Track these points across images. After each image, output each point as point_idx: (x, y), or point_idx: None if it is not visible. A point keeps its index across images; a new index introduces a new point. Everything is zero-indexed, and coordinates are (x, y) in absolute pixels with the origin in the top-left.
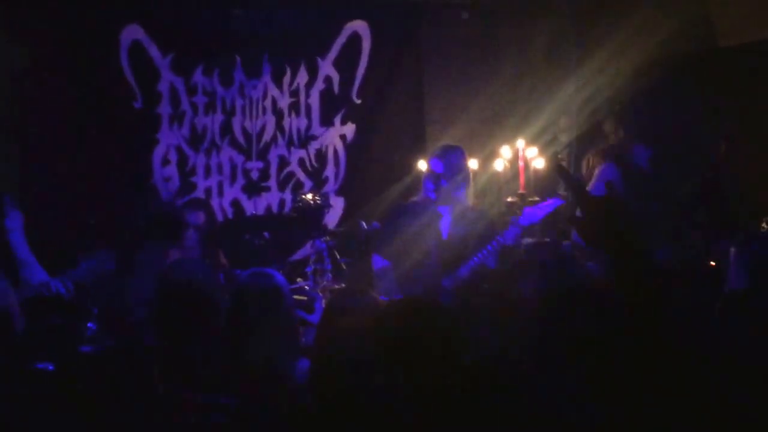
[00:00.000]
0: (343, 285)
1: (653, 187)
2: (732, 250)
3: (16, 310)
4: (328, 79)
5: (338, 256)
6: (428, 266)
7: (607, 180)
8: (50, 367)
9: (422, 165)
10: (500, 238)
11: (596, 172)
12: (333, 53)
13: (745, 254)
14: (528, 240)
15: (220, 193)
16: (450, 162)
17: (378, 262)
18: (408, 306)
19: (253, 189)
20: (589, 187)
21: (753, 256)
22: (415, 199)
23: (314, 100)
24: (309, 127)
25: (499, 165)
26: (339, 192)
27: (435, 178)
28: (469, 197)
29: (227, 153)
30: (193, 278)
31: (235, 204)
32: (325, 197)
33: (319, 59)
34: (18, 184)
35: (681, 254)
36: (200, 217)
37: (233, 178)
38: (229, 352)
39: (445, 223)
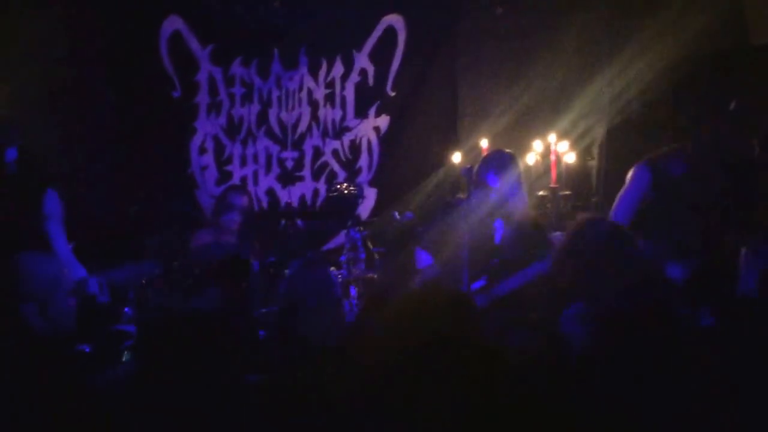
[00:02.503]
0: (376, 275)
1: (685, 192)
2: (743, 253)
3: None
4: (363, 72)
5: (371, 246)
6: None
7: (636, 185)
8: (87, 349)
9: (456, 158)
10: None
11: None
12: (368, 46)
13: (755, 257)
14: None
15: (256, 182)
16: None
17: (424, 260)
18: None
19: (288, 178)
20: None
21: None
22: (461, 196)
23: (349, 92)
24: (343, 119)
25: (531, 159)
26: (372, 183)
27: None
28: (523, 204)
29: (263, 143)
30: None
31: (270, 193)
32: (358, 188)
33: (354, 52)
34: (58, 174)
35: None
36: (244, 200)
37: (268, 168)
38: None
39: (498, 231)
